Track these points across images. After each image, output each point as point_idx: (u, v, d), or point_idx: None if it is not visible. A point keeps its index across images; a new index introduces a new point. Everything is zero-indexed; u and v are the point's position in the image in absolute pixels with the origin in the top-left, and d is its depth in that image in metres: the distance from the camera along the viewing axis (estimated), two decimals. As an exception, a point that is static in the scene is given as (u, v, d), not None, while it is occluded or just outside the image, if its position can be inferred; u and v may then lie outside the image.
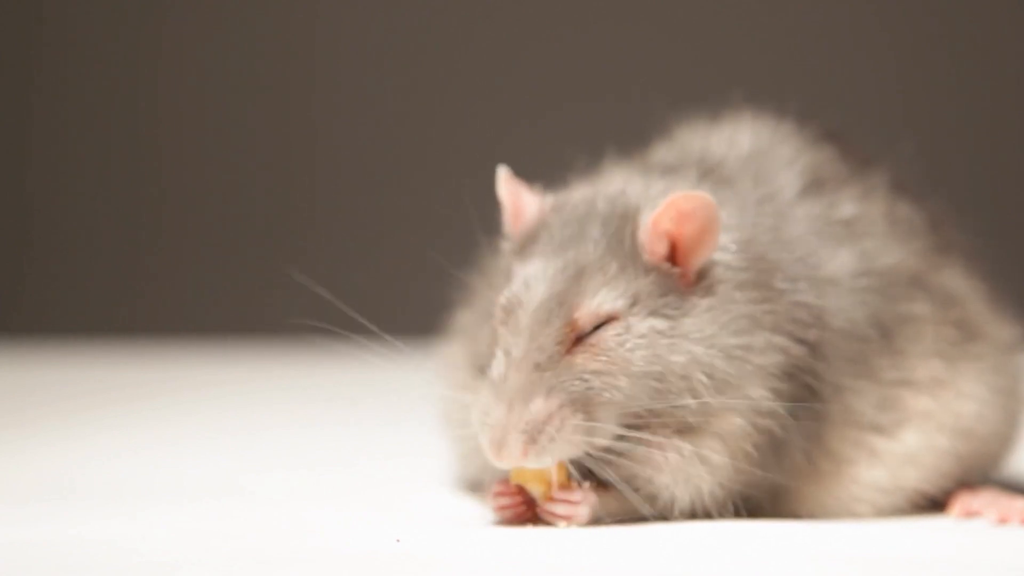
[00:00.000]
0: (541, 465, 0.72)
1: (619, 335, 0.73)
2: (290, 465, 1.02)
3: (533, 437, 0.71)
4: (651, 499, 0.74)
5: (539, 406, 0.71)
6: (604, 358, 0.72)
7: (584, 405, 0.71)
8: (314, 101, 2.13)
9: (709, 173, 0.80)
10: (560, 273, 0.74)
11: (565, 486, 0.73)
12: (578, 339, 0.73)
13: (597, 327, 0.73)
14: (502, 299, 0.75)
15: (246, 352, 1.83)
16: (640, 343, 0.73)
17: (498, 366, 0.73)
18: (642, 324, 0.73)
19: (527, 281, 0.75)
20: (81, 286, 2.14)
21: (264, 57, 2.12)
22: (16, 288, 2.15)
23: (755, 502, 0.75)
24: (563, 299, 0.73)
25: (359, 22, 2.10)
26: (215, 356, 1.81)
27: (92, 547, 0.69)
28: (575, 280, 0.74)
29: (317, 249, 2.08)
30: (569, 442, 0.71)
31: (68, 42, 2.14)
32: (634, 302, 0.73)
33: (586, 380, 0.72)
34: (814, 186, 0.82)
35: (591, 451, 0.72)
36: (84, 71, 2.14)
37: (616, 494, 0.74)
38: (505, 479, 0.75)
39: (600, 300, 0.73)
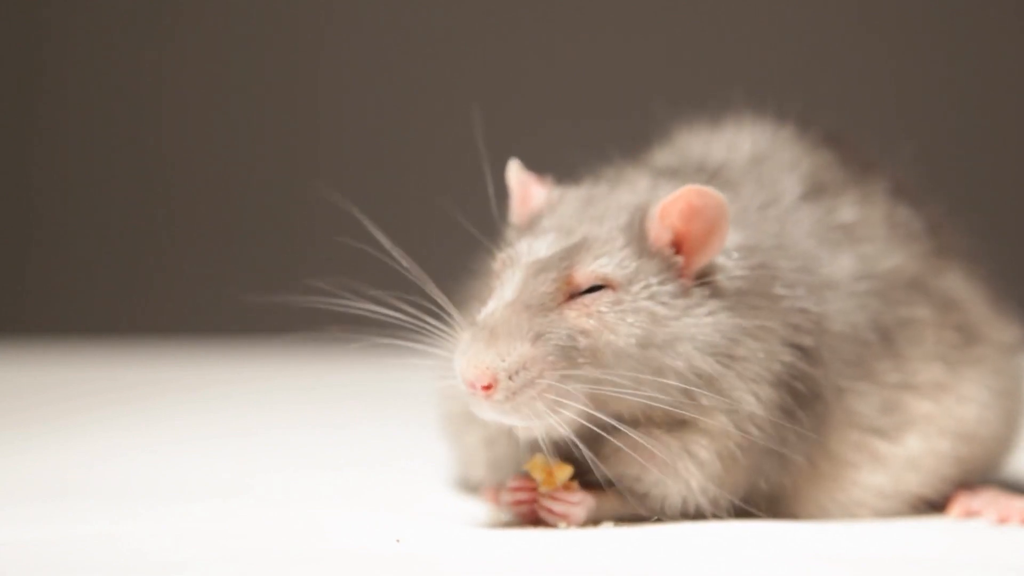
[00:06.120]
0: (508, 421, 0.71)
1: (613, 302, 0.72)
2: (291, 465, 1.02)
3: (510, 375, 0.69)
4: (642, 497, 0.74)
5: (525, 348, 0.70)
6: (595, 321, 0.72)
7: (566, 368, 0.70)
8: (315, 102, 2.13)
9: (712, 178, 0.80)
10: (564, 239, 0.74)
11: (567, 486, 0.74)
12: (572, 296, 0.72)
13: (593, 289, 0.73)
14: (501, 255, 0.75)
15: (248, 352, 1.83)
16: (634, 320, 0.72)
17: (488, 307, 0.72)
18: (639, 302, 0.73)
19: (530, 245, 0.74)
20: (82, 286, 2.14)
21: (268, 55, 2.12)
22: (17, 288, 2.15)
23: (753, 504, 0.75)
24: (564, 256, 0.73)
25: (362, 28, 2.10)
26: (216, 356, 1.81)
27: (95, 547, 0.69)
28: (578, 246, 0.73)
29: (320, 248, 2.07)
30: (542, 399, 0.70)
31: (70, 41, 2.14)
32: (634, 279, 0.73)
33: (574, 338, 0.71)
34: (814, 191, 0.82)
35: (572, 416, 0.71)
36: (85, 70, 2.14)
37: (613, 496, 0.74)
38: (524, 474, 0.74)
39: (601, 263, 0.73)
